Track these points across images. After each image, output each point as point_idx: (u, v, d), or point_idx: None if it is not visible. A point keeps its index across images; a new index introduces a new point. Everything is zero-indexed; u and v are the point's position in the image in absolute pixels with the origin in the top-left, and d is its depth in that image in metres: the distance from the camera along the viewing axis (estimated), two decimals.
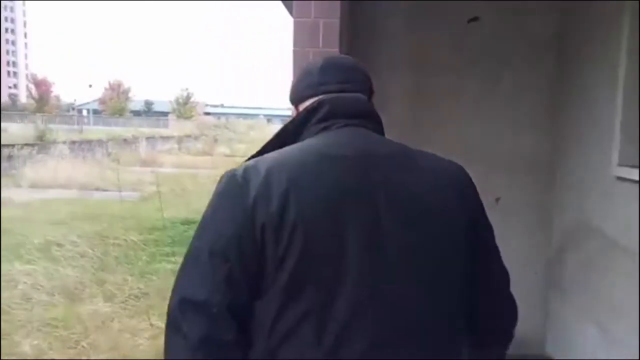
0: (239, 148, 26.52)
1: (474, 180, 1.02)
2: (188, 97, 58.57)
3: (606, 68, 2.73)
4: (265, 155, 0.98)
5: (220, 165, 17.06)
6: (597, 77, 2.89)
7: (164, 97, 66.17)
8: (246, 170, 0.93)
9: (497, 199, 3.43)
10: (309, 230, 0.86)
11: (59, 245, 6.64)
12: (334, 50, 2.60)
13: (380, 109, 1.11)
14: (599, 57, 2.85)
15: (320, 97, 1.04)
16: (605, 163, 2.72)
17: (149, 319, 4.40)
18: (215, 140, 28.56)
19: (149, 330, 4.24)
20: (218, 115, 66.18)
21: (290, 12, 5.64)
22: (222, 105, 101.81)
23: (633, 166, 2.55)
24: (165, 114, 54.83)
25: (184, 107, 56.22)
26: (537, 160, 3.37)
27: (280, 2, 4.23)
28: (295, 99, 1.12)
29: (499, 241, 1.04)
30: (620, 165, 2.62)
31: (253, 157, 1.00)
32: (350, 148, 0.95)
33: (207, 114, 67.08)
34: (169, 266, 6.11)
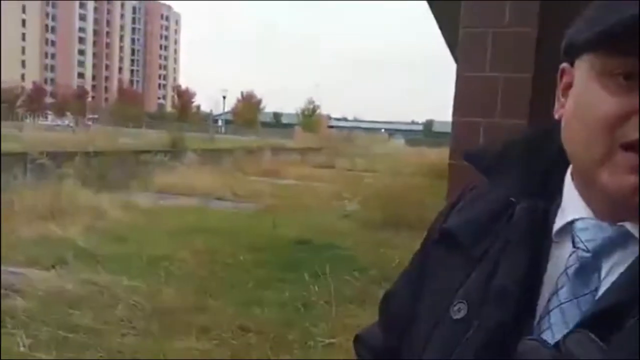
0: (360, 162, 25.99)
1: None
2: (314, 110, 59.80)
3: None
4: None
5: (340, 180, 16.52)
6: None
7: (291, 109, 68.55)
8: None
9: None
10: None
11: (168, 260, 6.34)
12: (527, 30, 1.63)
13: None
14: None
15: None
16: None
17: None
18: (337, 154, 28.34)
19: None
20: (341, 128, 66.83)
21: (433, 11, 4.62)
22: (345, 119, 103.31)
23: None
24: (291, 125, 56.52)
25: (309, 120, 57.42)
26: None
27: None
28: None
29: None
30: None
31: None
32: None
33: (331, 127, 68.06)
34: (277, 296, 5.45)
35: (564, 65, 0.60)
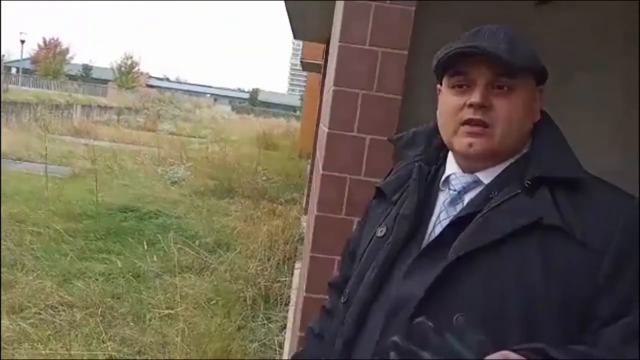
0: (184, 126, 24.94)
1: None
2: (132, 66, 55.08)
3: None
4: None
5: (164, 144, 15.66)
6: None
7: (105, 63, 62.07)
8: None
9: None
10: None
11: None
12: (407, 7, 1.71)
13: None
14: None
15: None
16: None
17: (69, 346, 3.33)
18: (159, 116, 26.76)
19: None
20: (162, 89, 62.99)
21: None
22: (167, 79, 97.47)
23: None
24: (104, 81, 51.34)
25: (126, 77, 52.71)
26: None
27: None
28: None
29: None
30: None
31: None
32: None
33: (150, 86, 63.59)
34: (100, 267, 5.00)
35: (439, 85, 0.97)
